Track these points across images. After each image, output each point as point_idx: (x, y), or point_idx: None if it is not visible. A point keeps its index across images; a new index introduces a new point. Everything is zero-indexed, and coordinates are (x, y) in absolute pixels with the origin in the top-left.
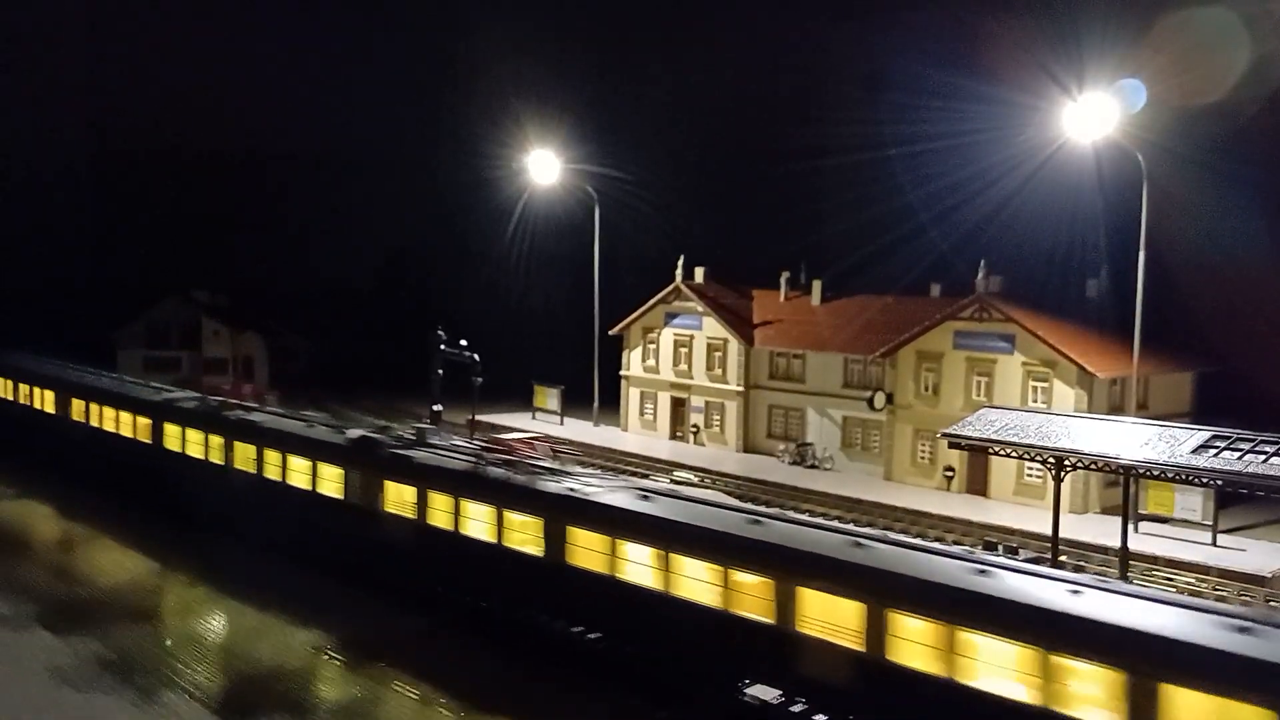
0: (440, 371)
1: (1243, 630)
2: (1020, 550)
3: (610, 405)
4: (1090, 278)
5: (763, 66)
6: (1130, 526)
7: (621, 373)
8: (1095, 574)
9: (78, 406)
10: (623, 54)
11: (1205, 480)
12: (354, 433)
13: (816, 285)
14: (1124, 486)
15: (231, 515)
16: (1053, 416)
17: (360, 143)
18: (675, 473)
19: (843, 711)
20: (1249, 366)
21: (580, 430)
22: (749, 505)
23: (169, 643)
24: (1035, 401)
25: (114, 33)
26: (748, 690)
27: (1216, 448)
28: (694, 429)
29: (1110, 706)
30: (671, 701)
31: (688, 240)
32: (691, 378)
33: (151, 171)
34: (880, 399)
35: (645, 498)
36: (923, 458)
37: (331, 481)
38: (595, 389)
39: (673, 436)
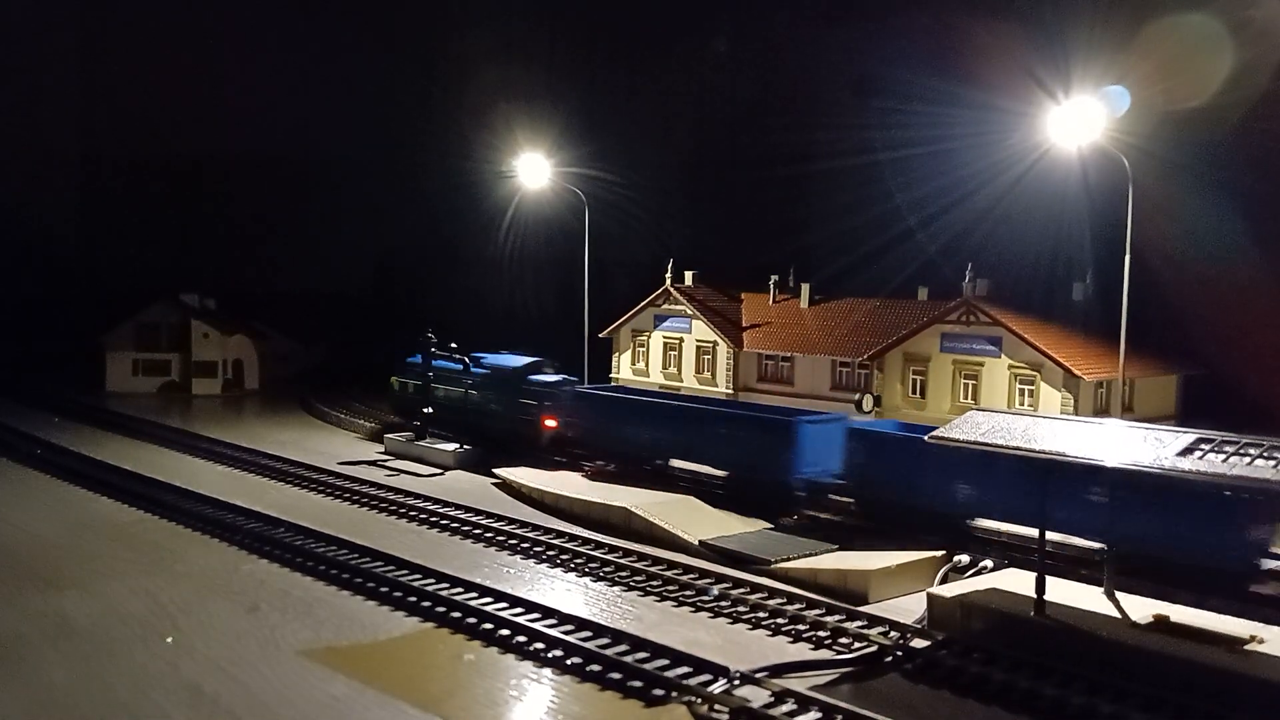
0: (431, 374)
1: None
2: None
3: None
4: (1076, 281)
5: (751, 71)
6: None
7: (611, 375)
8: None
9: None
10: (612, 58)
11: (1191, 482)
12: None
13: (805, 288)
14: (1112, 488)
15: None
16: (1039, 419)
17: (350, 146)
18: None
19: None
20: (1234, 369)
21: None
22: None
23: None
24: (1022, 404)
25: (104, 36)
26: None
27: (1202, 450)
28: None
29: None
30: None
31: (677, 243)
32: (681, 380)
33: (140, 175)
34: (868, 401)
35: None
36: None
37: None
38: None
39: None
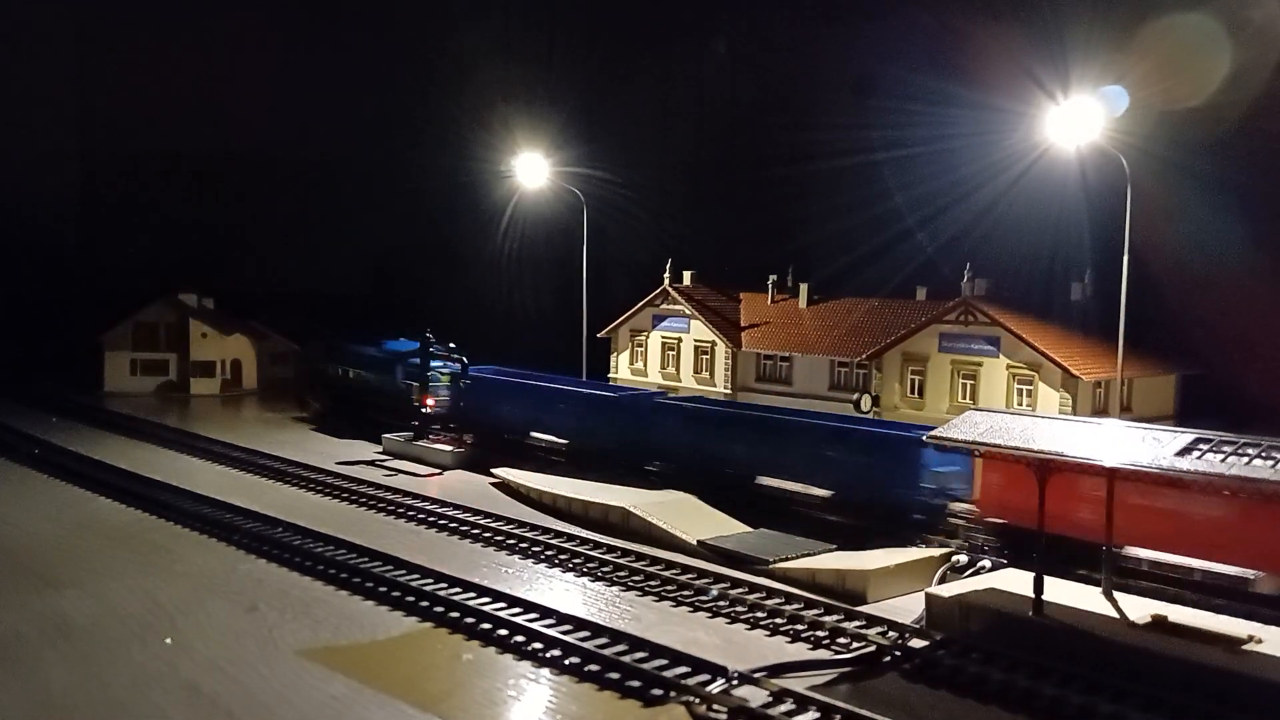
0: (429, 374)
1: None
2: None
3: None
4: (1075, 281)
5: (750, 71)
6: None
7: (609, 375)
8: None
9: None
10: (611, 57)
11: (1189, 482)
12: None
13: (803, 288)
14: (1109, 488)
15: None
16: (1037, 419)
17: (348, 145)
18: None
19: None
20: (1232, 369)
21: None
22: None
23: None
24: (1020, 404)
25: (102, 35)
26: (736, 690)
27: (1200, 450)
28: None
29: None
30: None
31: (676, 243)
32: (679, 380)
33: (138, 174)
34: (866, 401)
35: None
36: None
37: None
38: None
39: None
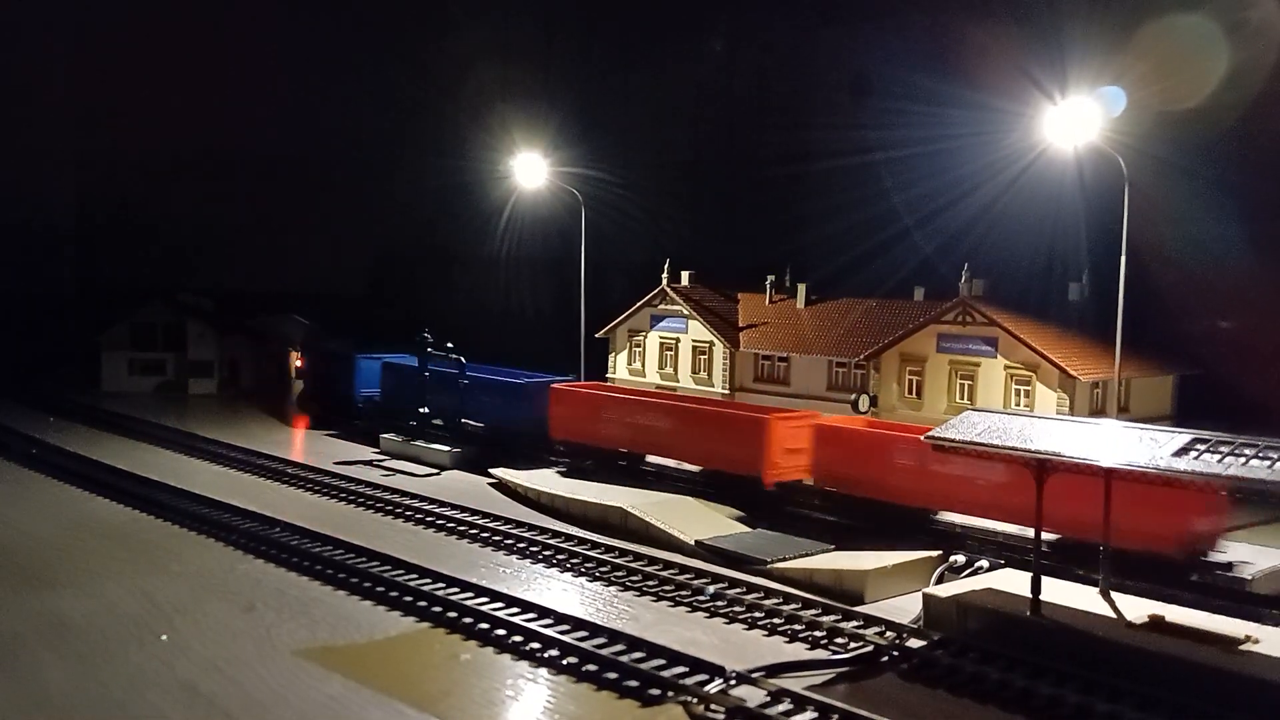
0: (426, 374)
1: None
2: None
3: None
4: (1072, 281)
5: (748, 71)
6: None
7: (607, 375)
8: None
9: None
10: (609, 57)
11: (1187, 482)
12: None
13: (801, 288)
14: (1106, 488)
15: None
16: (1035, 419)
17: (346, 146)
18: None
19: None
20: (1229, 370)
21: None
22: None
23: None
24: (1018, 404)
25: (102, 34)
26: (734, 690)
27: (1198, 450)
28: None
29: None
30: None
31: (674, 243)
32: (677, 380)
33: (136, 174)
34: (864, 401)
35: None
36: None
37: None
38: None
39: None
